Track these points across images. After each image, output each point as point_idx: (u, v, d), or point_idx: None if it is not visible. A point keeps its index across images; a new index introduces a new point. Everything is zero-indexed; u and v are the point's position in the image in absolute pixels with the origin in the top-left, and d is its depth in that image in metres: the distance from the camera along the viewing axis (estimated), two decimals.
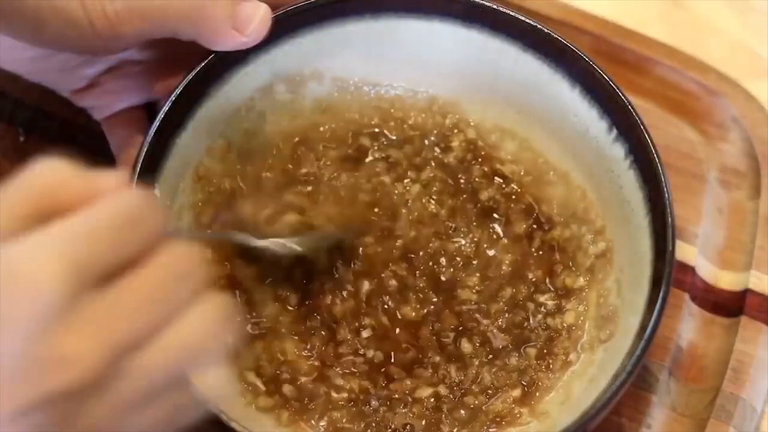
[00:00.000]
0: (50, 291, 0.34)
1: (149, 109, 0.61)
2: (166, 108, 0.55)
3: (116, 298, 0.36)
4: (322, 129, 0.62)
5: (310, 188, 0.61)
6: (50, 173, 0.37)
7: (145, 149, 0.54)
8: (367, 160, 0.62)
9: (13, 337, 0.34)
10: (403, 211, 0.61)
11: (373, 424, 0.55)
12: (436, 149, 0.63)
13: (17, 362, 0.34)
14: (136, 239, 0.37)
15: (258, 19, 0.55)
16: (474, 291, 0.59)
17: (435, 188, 0.61)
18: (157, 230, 0.38)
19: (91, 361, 0.35)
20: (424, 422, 0.55)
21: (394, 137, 0.63)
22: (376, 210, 0.60)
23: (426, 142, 0.63)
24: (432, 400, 0.56)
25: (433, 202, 0.61)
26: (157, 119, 0.54)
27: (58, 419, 0.35)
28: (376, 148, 0.62)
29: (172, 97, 0.55)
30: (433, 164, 0.62)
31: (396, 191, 0.61)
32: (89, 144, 0.64)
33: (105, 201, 0.37)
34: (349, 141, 0.62)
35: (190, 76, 0.56)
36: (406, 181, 0.62)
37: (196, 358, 0.38)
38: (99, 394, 0.36)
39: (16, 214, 0.36)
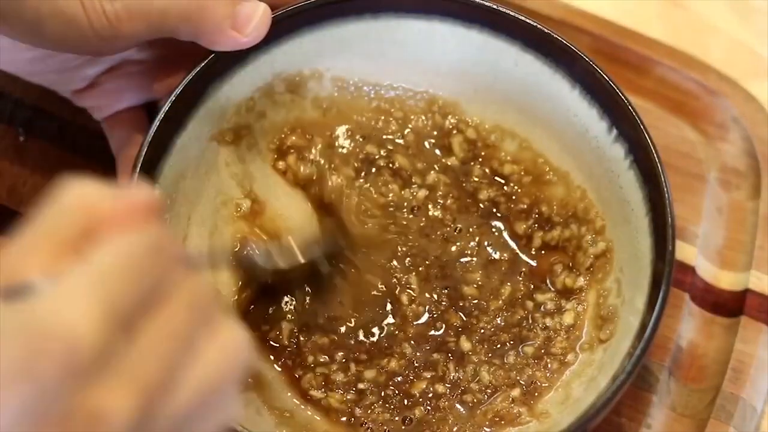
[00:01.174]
0: (86, 341, 0.32)
1: (149, 109, 0.61)
2: (166, 108, 0.55)
3: (143, 343, 0.34)
4: (328, 135, 0.62)
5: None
6: (84, 197, 0.35)
7: (145, 149, 0.54)
8: (374, 169, 0.62)
9: (46, 392, 0.32)
10: (411, 217, 0.61)
11: (371, 422, 0.55)
12: (438, 152, 0.63)
13: (50, 418, 0.32)
14: (158, 272, 0.35)
15: (257, 19, 0.55)
16: (474, 287, 0.59)
17: (440, 192, 0.61)
18: (175, 259, 0.36)
19: (128, 415, 0.33)
20: (423, 420, 0.55)
21: (397, 142, 0.63)
22: (392, 227, 0.60)
23: (427, 144, 0.63)
24: (430, 396, 0.56)
25: (438, 206, 0.61)
26: (157, 119, 0.54)
27: None
28: (383, 154, 0.62)
29: (172, 97, 0.55)
30: (436, 168, 0.62)
31: (404, 198, 0.61)
32: (89, 144, 0.64)
33: (129, 234, 0.35)
34: (356, 151, 0.62)
35: (190, 76, 0.56)
36: (413, 187, 0.62)
37: (220, 392, 0.37)
38: None
39: (58, 241, 0.34)
